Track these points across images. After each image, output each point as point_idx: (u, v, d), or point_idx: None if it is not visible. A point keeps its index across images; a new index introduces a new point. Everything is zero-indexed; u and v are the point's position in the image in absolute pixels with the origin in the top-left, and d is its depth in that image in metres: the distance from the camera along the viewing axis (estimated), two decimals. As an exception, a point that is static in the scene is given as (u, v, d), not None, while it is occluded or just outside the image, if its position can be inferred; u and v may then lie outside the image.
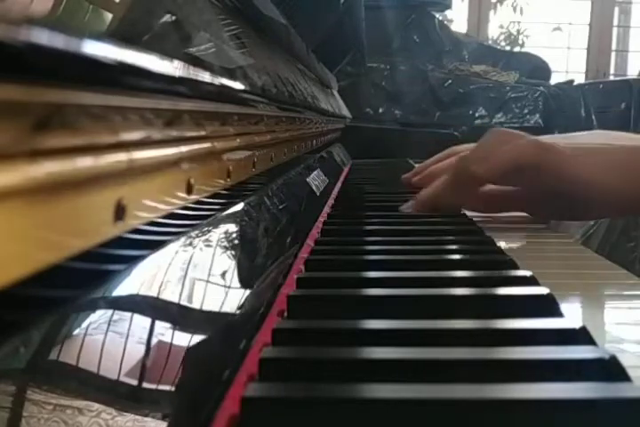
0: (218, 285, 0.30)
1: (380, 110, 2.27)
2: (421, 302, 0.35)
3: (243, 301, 0.31)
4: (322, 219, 0.63)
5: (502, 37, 4.15)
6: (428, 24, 2.53)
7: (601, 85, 2.75)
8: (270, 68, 0.50)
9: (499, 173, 0.59)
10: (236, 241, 0.36)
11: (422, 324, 0.31)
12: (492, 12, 4.09)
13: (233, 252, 0.34)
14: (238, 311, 0.30)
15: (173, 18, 0.28)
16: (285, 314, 0.35)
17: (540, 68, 2.70)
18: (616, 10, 4.19)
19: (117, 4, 0.23)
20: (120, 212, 0.21)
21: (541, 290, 0.36)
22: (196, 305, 0.27)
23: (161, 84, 0.23)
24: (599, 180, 0.56)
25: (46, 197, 0.17)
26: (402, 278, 0.40)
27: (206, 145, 0.32)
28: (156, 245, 0.26)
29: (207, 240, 0.31)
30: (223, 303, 0.29)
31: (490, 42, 3.90)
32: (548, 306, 0.34)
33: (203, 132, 0.32)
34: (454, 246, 0.51)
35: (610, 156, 0.57)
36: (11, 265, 0.15)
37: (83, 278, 0.20)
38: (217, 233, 0.33)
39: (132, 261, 0.24)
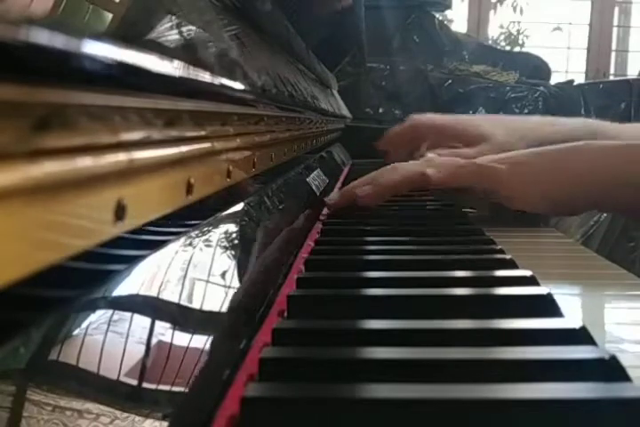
0: (218, 285, 0.30)
1: (380, 110, 2.26)
2: (421, 302, 0.35)
3: (243, 301, 0.31)
4: (322, 219, 0.63)
5: (502, 37, 4.15)
6: (428, 24, 2.52)
7: (601, 85, 2.74)
8: (270, 68, 0.50)
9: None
10: (236, 241, 0.36)
11: (422, 324, 0.31)
12: (492, 12, 4.09)
13: (233, 252, 0.34)
14: (238, 311, 0.30)
15: (173, 18, 0.28)
16: (285, 314, 0.35)
17: (539, 68, 2.70)
18: (616, 10, 4.18)
19: (117, 4, 0.23)
20: (120, 212, 0.21)
21: (541, 290, 0.36)
22: (196, 305, 0.27)
23: (161, 84, 0.23)
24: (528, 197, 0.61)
25: (46, 197, 0.17)
26: (402, 278, 0.40)
27: (206, 145, 0.32)
28: (155, 245, 0.26)
29: (207, 240, 0.31)
30: (223, 303, 0.29)
31: (490, 42, 3.89)
32: (547, 306, 0.34)
33: (203, 132, 0.32)
34: (454, 246, 0.51)
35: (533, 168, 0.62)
36: (11, 265, 0.15)
37: (83, 278, 0.20)
38: (217, 233, 0.33)
39: (132, 261, 0.24)
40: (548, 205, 0.62)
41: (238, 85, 0.35)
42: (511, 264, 0.43)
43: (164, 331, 0.23)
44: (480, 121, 0.81)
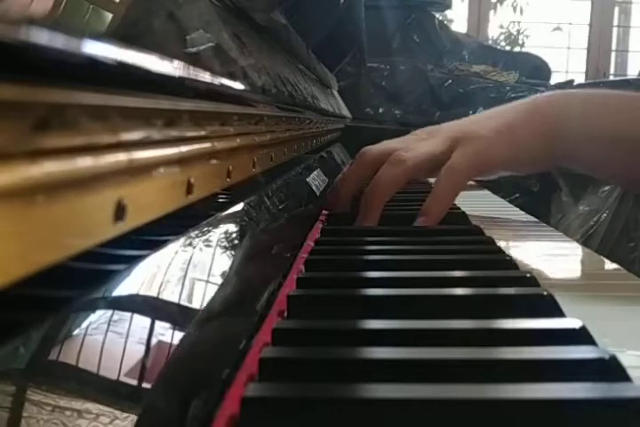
0: (218, 285, 0.30)
1: (380, 110, 2.26)
2: (421, 302, 0.35)
3: (243, 301, 0.31)
4: (322, 219, 0.63)
5: (502, 37, 4.15)
6: (428, 24, 2.52)
7: (601, 85, 2.74)
8: (270, 68, 0.50)
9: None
10: (236, 241, 0.36)
11: (422, 324, 0.31)
12: (492, 12, 4.09)
13: (233, 252, 0.34)
14: (238, 311, 0.30)
15: (173, 18, 0.28)
16: (285, 314, 0.35)
17: (539, 68, 2.70)
18: (616, 10, 4.18)
19: (117, 4, 0.23)
20: (120, 212, 0.21)
21: (541, 290, 0.36)
22: (195, 305, 0.27)
23: (161, 84, 0.23)
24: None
25: (46, 197, 0.17)
26: (402, 278, 0.40)
27: (206, 145, 0.32)
28: (155, 245, 0.26)
29: (207, 240, 0.31)
30: (223, 303, 0.29)
31: (490, 42, 3.89)
32: (548, 306, 0.34)
33: (203, 132, 0.32)
34: (454, 246, 0.50)
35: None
36: (11, 265, 0.15)
37: (83, 278, 0.20)
38: (217, 233, 0.33)
39: (132, 261, 0.24)
40: (517, 160, 0.64)
41: (238, 85, 0.35)
42: (511, 264, 0.43)
43: (163, 331, 0.23)
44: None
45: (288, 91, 0.56)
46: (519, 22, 4.18)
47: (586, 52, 4.09)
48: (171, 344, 0.23)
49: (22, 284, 0.16)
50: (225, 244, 0.33)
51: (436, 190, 0.61)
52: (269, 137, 0.50)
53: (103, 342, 0.20)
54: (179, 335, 0.24)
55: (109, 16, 0.21)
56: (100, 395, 0.18)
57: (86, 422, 0.17)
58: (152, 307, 0.24)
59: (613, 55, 4.17)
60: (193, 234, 0.30)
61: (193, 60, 0.27)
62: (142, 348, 0.22)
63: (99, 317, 0.20)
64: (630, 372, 0.25)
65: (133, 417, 0.19)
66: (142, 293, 0.24)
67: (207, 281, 0.29)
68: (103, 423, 0.18)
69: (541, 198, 2.12)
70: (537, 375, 0.25)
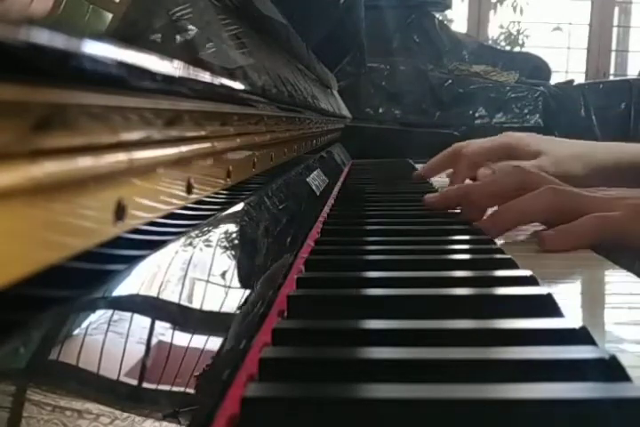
0: (218, 285, 0.30)
1: (380, 110, 2.26)
2: (421, 302, 0.35)
3: (243, 301, 0.31)
4: (322, 219, 0.63)
5: (502, 37, 4.15)
6: (428, 24, 2.52)
7: (601, 85, 2.75)
8: (270, 68, 0.50)
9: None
10: (236, 241, 0.36)
11: (422, 324, 0.31)
12: (492, 12, 4.09)
13: (233, 252, 0.34)
14: (238, 311, 0.30)
15: (173, 18, 0.28)
16: (285, 314, 0.35)
17: (539, 68, 2.70)
18: (616, 10, 4.18)
19: (117, 4, 0.23)
20: (120, 212, 0.21)
21: (541, 290, 0.36)
22: (196, 305, 0.27)
23: (161, 84, 0.23)
24: None
25: (46, 197, 0.17)
26: (402, 278, 0.40)
27: (206, 145, 0.32)
28: (155, 245, 0.26)
29: (207, 240, 0.31)
30: (223, 303, 0.29)
31: (490, 42, 3.89)
32: (547, 306, 0.34)
33: (203, 132, 0.32)
34: (454, 246, 0.51)
35: None
36: (11, 265, 0.15)
37: (83, 278, 0.20)
38: (217, 233, 0.33)
39: (132, 261, 0.24)
40: None
41: (238, 85, 0.35)
42: (511, 264, 0.43)
43: (164, 331, 0.23)
44: (526, 139, 0.82)
45: (288, 91, 0.56)
46: (519, 22, 4.19)
47: (586, 52, 4.09)
48: (171, 344, 0.23)
49: (22, 284, 0.16)
50: (225, 244, 0.33)
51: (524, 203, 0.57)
52: (269, 137, 0.50)
53: (103, 342, 0.20)
54: (179, 335, 0.24)
55: (109, 16, 0.21)
56: (100, 395, 0.18)
57: (86, 422, 0.17)
58: (152, 307, 0.24)
59: (613, 55, 4.18)
60: (193, 234, 0.30)
61: (193, 59, 0.27)
62: (142, 348, 0.22)
63: (99, 317, 0.20)
64: (630, 372, 0.25)
65: (133, 417, 0.19)
66: (142, 293, 0.24)
67: (207, 281, 0.29)
68: (103, 423, 0.18)
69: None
70: (537, 375, 0.25)
